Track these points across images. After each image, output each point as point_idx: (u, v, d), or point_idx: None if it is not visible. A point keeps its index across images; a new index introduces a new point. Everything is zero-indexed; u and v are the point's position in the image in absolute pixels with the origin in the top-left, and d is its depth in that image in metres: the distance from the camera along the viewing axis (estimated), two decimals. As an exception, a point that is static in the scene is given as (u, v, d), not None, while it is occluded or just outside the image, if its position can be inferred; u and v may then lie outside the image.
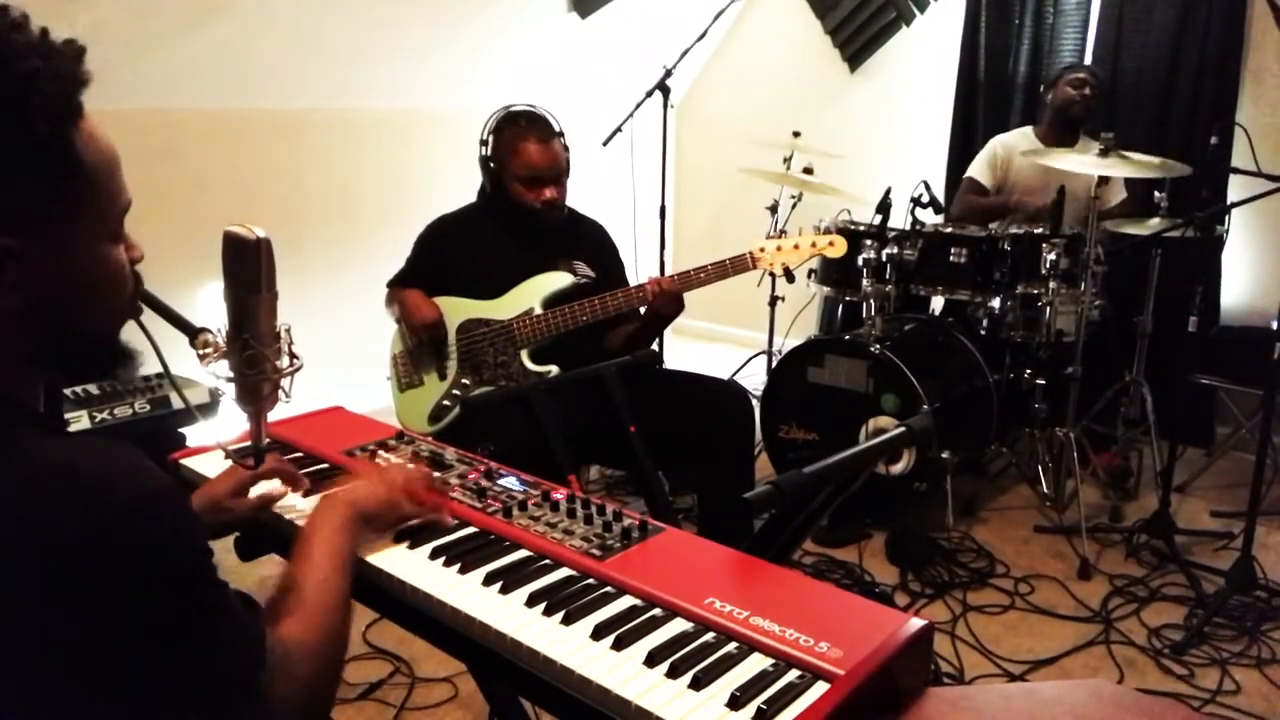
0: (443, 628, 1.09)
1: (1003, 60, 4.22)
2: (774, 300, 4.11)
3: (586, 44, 4.55)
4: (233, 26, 3.36)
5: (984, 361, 3.26)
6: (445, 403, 2.56)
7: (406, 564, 1.16)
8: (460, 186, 2.75)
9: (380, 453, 1.52)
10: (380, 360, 2.71)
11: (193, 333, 1.12)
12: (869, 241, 3.16)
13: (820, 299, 4.12)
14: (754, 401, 2.95)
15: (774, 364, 3.48)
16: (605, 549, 1.18)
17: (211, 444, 1.55)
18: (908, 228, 3.33)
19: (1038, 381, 3.23)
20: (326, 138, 3.96)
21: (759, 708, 0.89)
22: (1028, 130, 3.76)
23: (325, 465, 1.49)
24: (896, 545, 2.87)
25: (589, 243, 2.69)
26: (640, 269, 3.26)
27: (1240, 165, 2.97)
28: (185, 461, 1.52)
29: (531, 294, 2.53)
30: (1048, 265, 3.05)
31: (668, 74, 3.44)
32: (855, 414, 3.01)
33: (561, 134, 2.54)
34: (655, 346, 2.96)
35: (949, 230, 3.27)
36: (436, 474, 1.43)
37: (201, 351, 1.12)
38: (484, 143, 2.53)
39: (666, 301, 2.46)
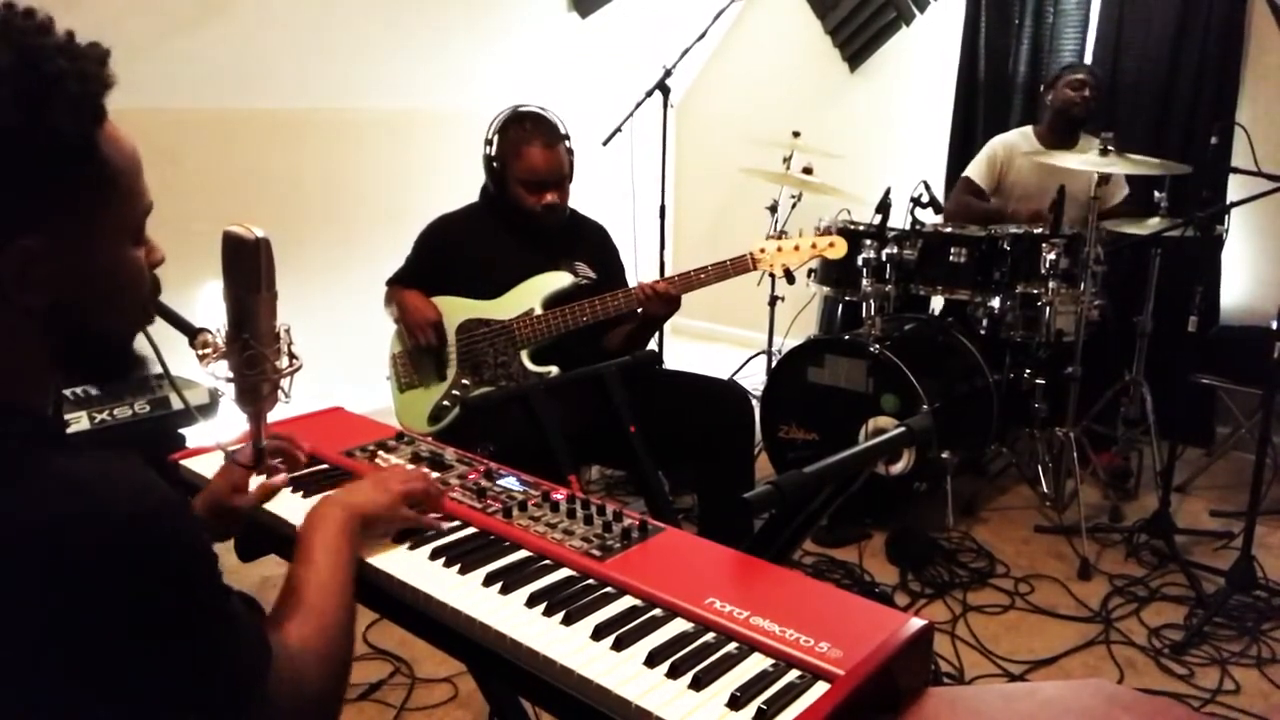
0: (443, 628, 1.09)
1: (1003, 60, 4.22)
2: (774, 300, 4.12)
3: (586, 44, 4.55)
4: (233, 26, 3.36)
5: (984, 361, 3.26)
6: (445, 403, 2.56)
7: (407, 565, 1.16)
8: (460, 186, 2.75)
9: (380, 453, 1.52)
10: (380, 360, 2.71)
11: (192, 333, 1.12)
12: (869, 241, 3.16)
13: (820, 299, 4.12)
14: (754, 401, 2.95)
15: (774, 364, 3.48)
16: (605, 549, 1.18)
17: (211, 444, 1.54)
18: (907, 228, 3.34)
19: (1038, 381, 3.23)
20: (326, 138, 3.96)
21: (759, 708, 0.88)
22: (1027, 130, 3.75)
23: (326, 467, 1.49)
24: (896, 545, 2.87)
25: (590, 243, 2.69)
26: (640, 269, 3.27)
27: (1240, 165, 2.97)
28: (185, 462, 1.52)
29: (532, 294, 2.53)
30: (1048, 265, 3.05)
31: (668, 74, 3.44)
32: (855, 414, 3.01)
33: (567, 137, 2.54)
34: (655, 346, 2.97)
35: (949, 230, 3.27)
36: (436, 474, 1.43)
37: (201, 352, 1.12)
38: (489, 142, 2.53)
39: (656, 304, 2.45)
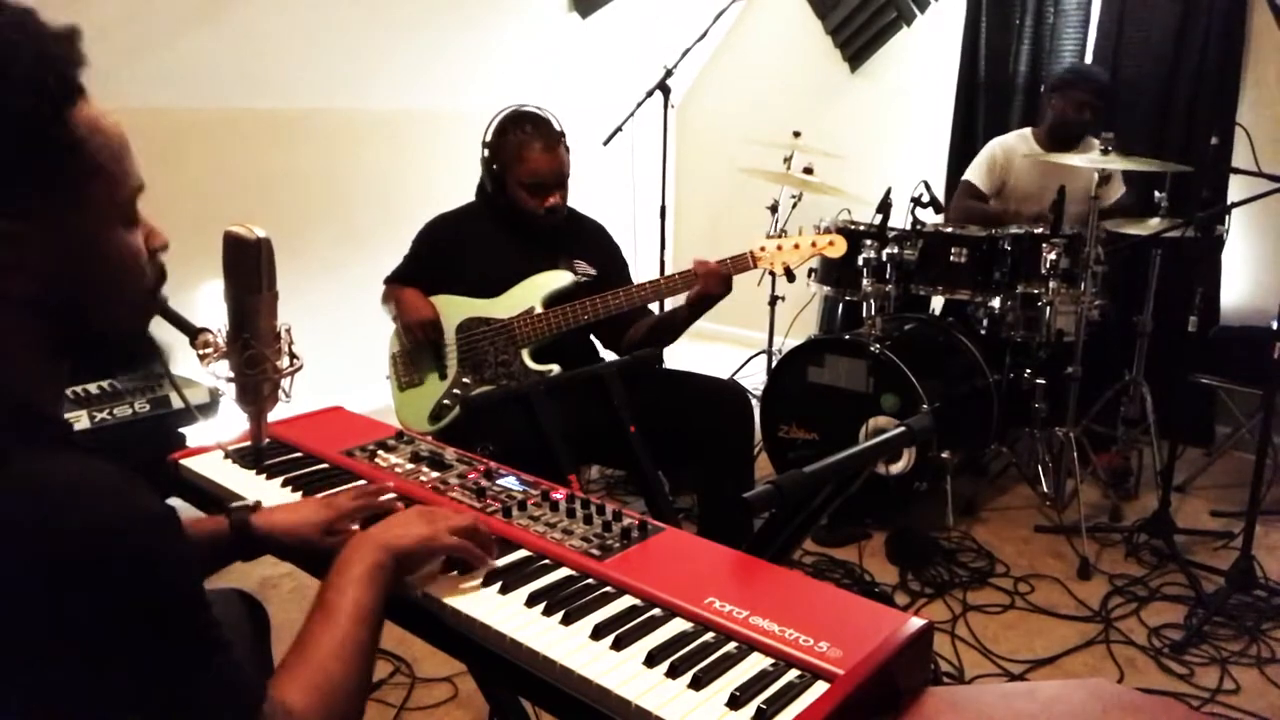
0: (443, 628, 1.09)
1: (1003, 60, 4.22)
2: (774, 300, 4.12)
3: (586, 44, 4.55)
4: (233, 26, 3.36)
5: (984, 361, 3.26)
6: (445, 402, 2.56)
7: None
8: (460, 186, 2.75)
9: (380, 452, 1.52)
10: (380, 360, 2.71)
11: (193, 333, 1.12)
12: (869, 241, 3.16)
13: (820, 299, 4.12)
14: (754, 401, 2.95)
15: (774, 364, 3.48)
16: (605, 549, 1.18)
17: (211, 444, 1.55)
18: (908, 228, 3.33)
19: (1038, 381, 3.23)
20: (326, 138, 3.96)
21: (759, 707, 0.89)
22: (1026, 133, 3.75)
23: (326, 466, 1.49)
24: (896, 545, 2.87)
25: (589, 241, 2.69)
26: (640, 269, 3.27)
27: (1240, 165, 2.97)
28: (185, 461, 1.52)
29: (532, 293, 2.53)
30: (1048, 265, 3.05)
31: (668, 74, 3.44)
32: (855, 414, 3.01)
33: (563, 135, 2.54)
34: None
35: (949, 230, 3.27)
36: (436, 473, 1.43)
37: (201, 351, 1.11)
38: (487, 144, 2.53)
39: (715, 281, 2.40)
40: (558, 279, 2.53)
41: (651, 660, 0.96)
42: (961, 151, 4.30)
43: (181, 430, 2.48)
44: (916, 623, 1.01)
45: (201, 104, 3.51)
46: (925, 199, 3.36)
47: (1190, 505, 3.30)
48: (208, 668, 0.78)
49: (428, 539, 1.09)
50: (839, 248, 2.56)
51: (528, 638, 1.00)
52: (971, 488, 3.32)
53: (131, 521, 0.74)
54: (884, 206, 3.30)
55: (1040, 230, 3.18)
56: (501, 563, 1.16)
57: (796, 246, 2.52)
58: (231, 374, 1.13)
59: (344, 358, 3.22)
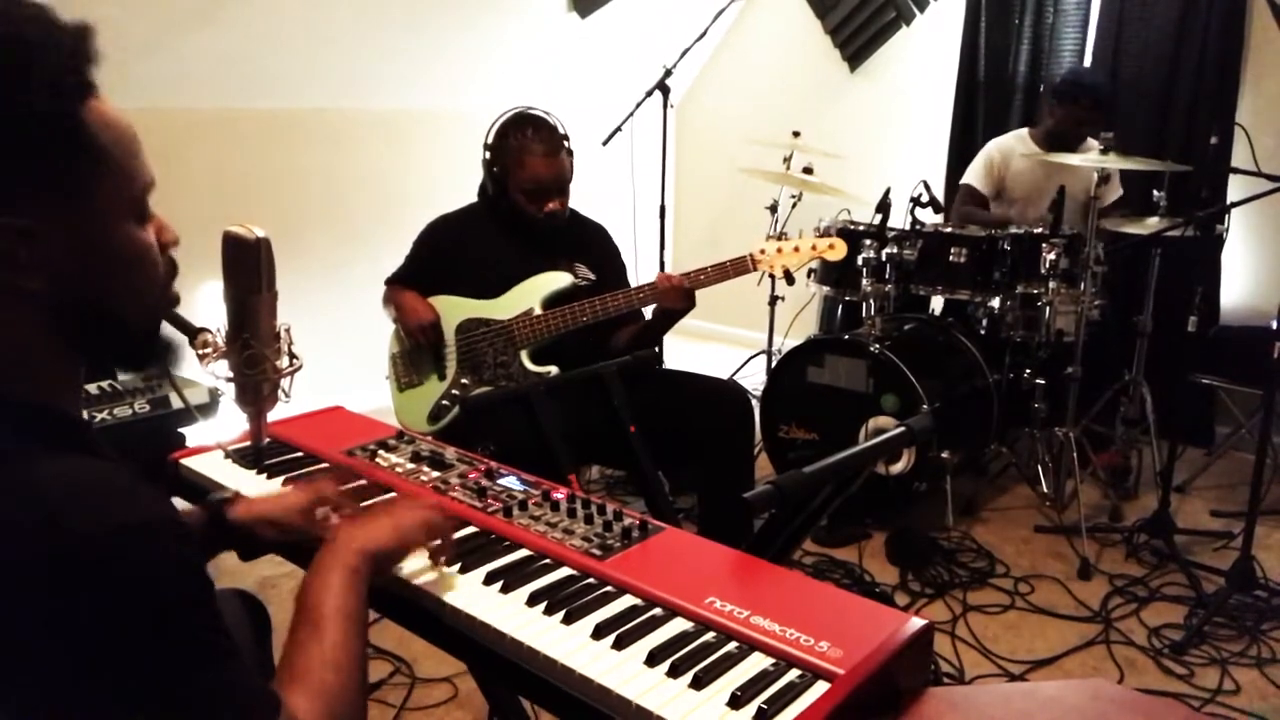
0: (443, 627, 1.09)
1: (1003, 60, 4.22)
2: (774, 300, 4.12)
3: (586, 44, 4.55)
4: (233, 26, 3.36)
5: (984, 361, 3.26)
6: (445, 403, 2.56)
7: (406, 564, 1.16)
8: (460, 186, 2.75)
9: (380, 452, 1.52)
10: (380, 360, 2.71)
11: (192, 333, 1.12)
12: (869, 241, 3.16)
13: (820, 299, 4.12)
14: (754, 401, 2.95)
15: (774, 364, 3.47)
16: (605, 549, 1.18)
17: (211, 444, 1.55)
18: (907, 228, 3.33)
19: (1038, 381, 3.23)
20: (326, 138, 3.96)
21: (759, 707, 0.89)
22: (1023, 133, 3.75)
23: (325, 465, 1.49)
24: (896, 545, 2.87)
25: (590, 244, 2.69)
26: (640, 269, 3.27)
27: (1240, 165, 2.97)
28: (185, 461, 1.52)
29: (531, 294, 2.53)
30: (1048, 265, 3.05)
31: (668, 74, 3.44)
32: (855, 414, 3.00)
33: (566, 139, 2.54)
34: (655, 346, 2.96)
35: (949, 230, 3.27)
36: (436, 473, 1.43)
37: (201, 351, 1.11)
38: (488, 146, 2.53)
39: (676, 296, 2.44)
40: (557, 281, 2.53)
41: (652, 660, 0.96)
42: (961, 151, 4.30)
43: (181, 430, 2.48)
44: (917, 623, 1.01)
45: (201, 104, 3.51)
46: (925, 199, 3.36)
47: (1190, 505, 3.30)
48: (217, 677, 0.77)
49: (399, 539, 1.09)
50: (839, 251, 2.56)
51: (528, 637, 1.00)
52: (971, 488, 3.32)
53: (137, 524, 0.73)
54: (883, 206, 3.30)
55: (1040, 230, 3.18)
56: (502, 562, 1.16)
57: (796, 249, 2.52)
58: (231, 374, 1.13)
59: (344, 358, 3.22)
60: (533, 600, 1.07)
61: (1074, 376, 3.09)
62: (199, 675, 0.75)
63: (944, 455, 2.99)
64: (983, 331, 3.44)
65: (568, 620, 1.03)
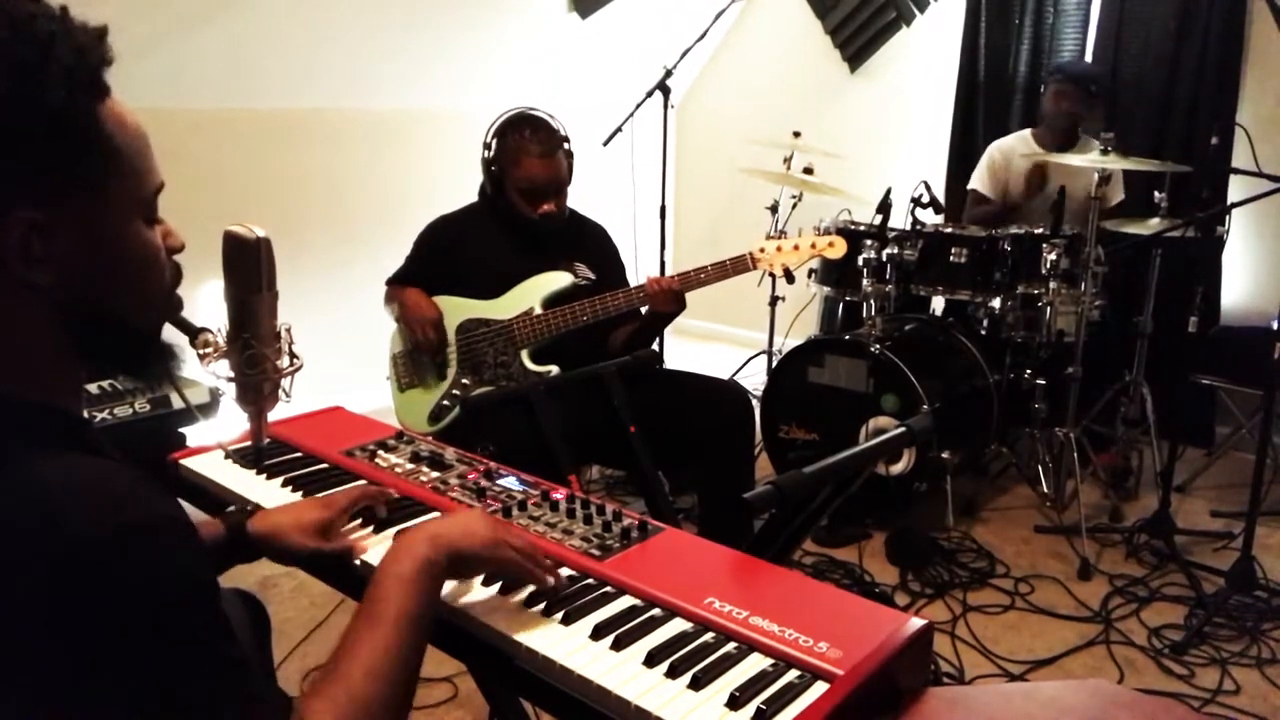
0: (443, 627, 1.08)
1: (1003, 60, 4.22)
2: (774, 300, 4.11)
3: (586, 44, 4.55)
4: (233, 26, 3.36)
5: (984, 361, 3.26)
6: (445, 403, 2.56)
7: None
8: (460, 186, 2.75)
9: (380, 453, 1.52)
10: (380, 360, 2.71)
11: (193, 333, 1.12)
12: (869, 241, 3.16)
13: (820, 299, 4.12)
14: (754, 401, 2.95)
15: (774, 364, 3.47)
16: (605, 549, 1.18)
17: (212, 444, 1.55)
18: (908, 228, 3.33)
19: (1038, 381, 3.23)
20: (326, 138, 3.96)
21: (758, 708, 0.89)
22: (1025, 134, 3.76)
23: (326, 466, 1.49)
24: (896, 545, 2.87)
25: (590, 244, 2.69)
26: (640, 269, 3.26)
27: (1240, 165, 2.97)
28: (185, 461, 1.52)
29: (531, 294, 2.53)
30: (1048, 265, 3.05)
31: (668, 74, 3.44)
32: (855, 414, 3.01)
33: (566, 140, 2.54)
34: (655, 346, 2.96)
35: (949, 230, 3.27)
36: (436, 473, 1.43)
37: (202, 351, 1.11)
38: (487, 145, 2.53)
39: (665, 300, 2.45)
40: (557, 280, 2.53)
41: (651, 660, 0.96)
42: (961, 152, 4.30)
43: (181, 430, 2.48)
44: (916, 623, 1.01)
45: (201, 104, 3.51)
46: (925, 199, 3.36)
47: (1190, 505, 3.30)
48: (220, 680, 0.76)
49: (491, 544, 1.03)
50: (839, 249, 2.56)
51: (527, 638, 1.00)
52: (971, 488, 3.32)
53: (139, 524, 0.73)
54: (884, 207, 3.30)
55: (1040, 230, 3.18)
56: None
57: (796, 248, 2.52)
58: (231, 374, 1.13)
59: (344, 358, 3.22)
60: (532, 600, 1.07)
61: (1074, 377, 3.09)
62: (201, 677, 0.74)
63: (944, 455, 2.99)
64: (983, 332, 3.44)
65: (567, 621, 1.03)
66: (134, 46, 3.16)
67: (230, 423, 1.45)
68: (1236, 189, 3.45)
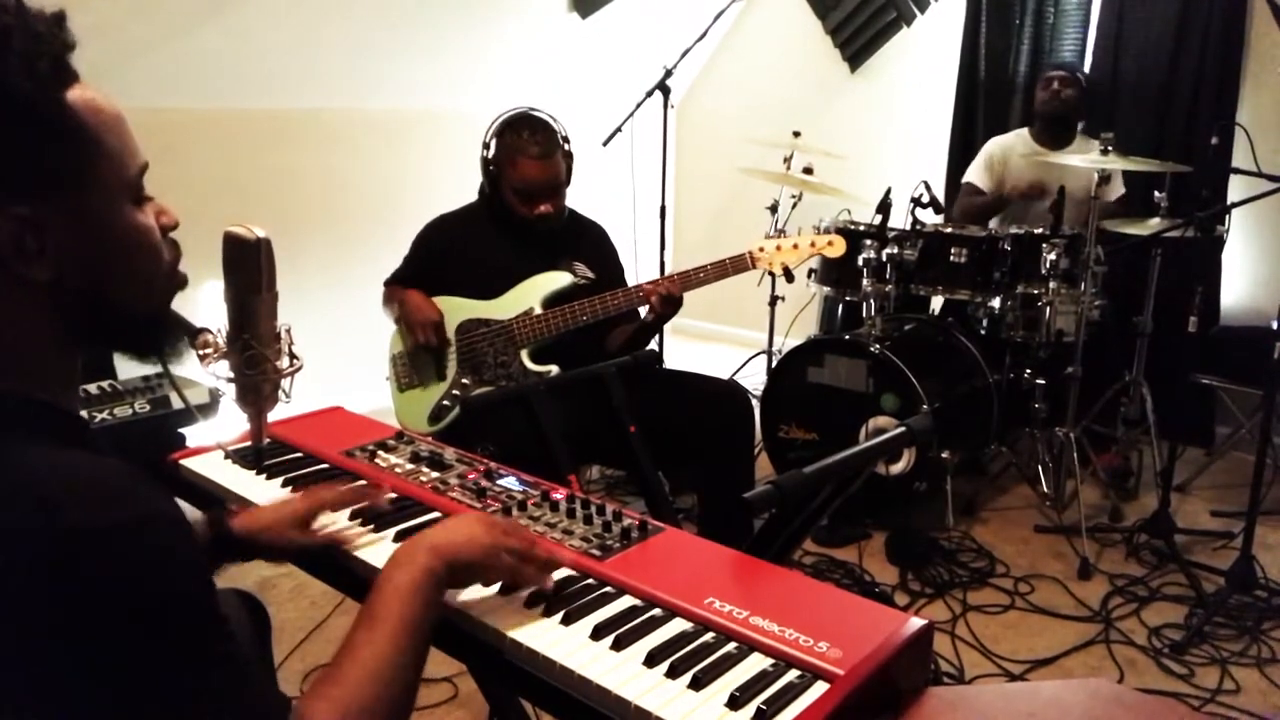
0: (442, 627, 1.08)
1: (1003, 60, 4.22)
2: (774, 300, 4.12)
3: (586, 44, 4.56)
4: (233, 26, 3.36)
5: (984, 361, 3.26)
6: (445, 403, 2.56)
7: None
8: (460, 187, 2.75)
9: (380, 453, 1.52)
10: (380, 360, 2.71)
11: (193, 333, 1.12)
12: (869, 241, 3.16)
13: (820, 299, 4.12)
14: (754, 401, 2.95)
15: (774, 364, 3.47)
16: (605, 549, 1.18)
17: (211, 444, 1.55)
18: (908, 228, 3.33)
19: (1038, 381, 3.23)
20: (326, 138, 3.96)
21: (759, 708, 0.89)
22: (1023, 132, 3.76)
23: (325, 466, 1.49)
24: (896, 545, 2.87)
25: (589, 243, 2.69)
26: (640, 269, 3.27)
27: (1240, 165, 2.97)
28: (185, 462, 1.52)
29: (531, 294, 2.53)
30: (1048, 265, 3.05)
31: (668, 74, 3.44)
32: (855, 414, 3.01)
33: (566, 141, 2.53)
34: (655, 346, 2.97)
35: (949, 230, 3.27)
36: (435, 473, 1.43)
37: (201, 352, 1.11)
38: (486, 145, 2.53)
39: (661, 304, 2.45)
40: (556, 280, 2.53)
41: (651, 660, 0.96)
42: (961, 151, 4.30)
43: (181, 430, 2.48)
44: (916, 623, 1.01)
45: (201, 104, 3.51)
46: (925, 199, 3.36)
47: (1190, 505, 3.30)
48: (217, 678, 0.75)
49: (491, 552, 1.02)
50: (838, 248, 2.56)
51: (528, 638, 1.00)
52: (971, 488, 3.32)
53: (136, 520, 0.72)
54: (884, 206, 3.30)
55: (1040, 230, 3.18)
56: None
57: (795, 247, 2.52)
58: (231, 374, 1.13)
59: (344, 358, 3.22)
60: (532, 600, 1.07)
61: (1074, 376, 3.09)
62: (197, 674, 0.74)
63: (944, 455, 3.00)
64: (983, 332, 3.44)
65: (567, 621, 1.03)
66: (134, 46, 3.16)
67: (230, 423, 1.45)
68: (1236, 189, 3.45)
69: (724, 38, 5.15)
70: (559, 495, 1.33)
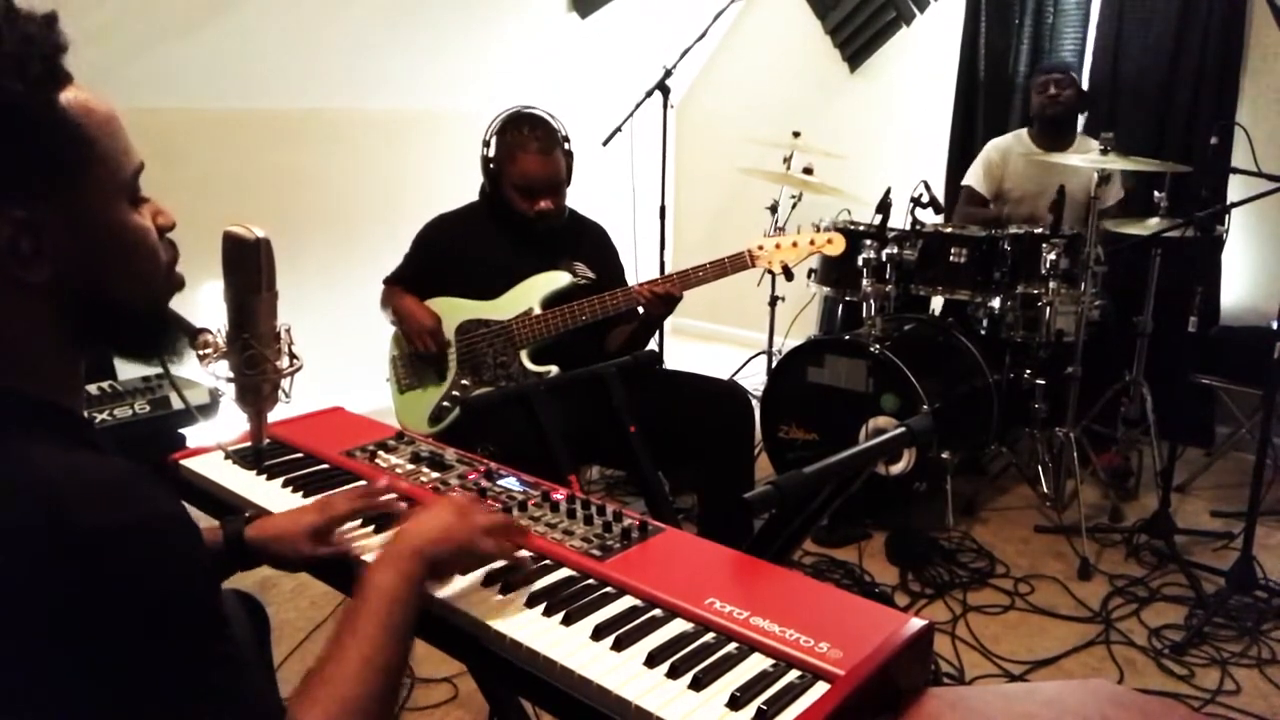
0: (443, 628, 1.09)
1: (1003, 60, 4.22)
2: (774, 300, 4.12)
3: (586, 44, 4.56)
4: (233, 26, 3.36)
5: (984, 361, 3.26)
6: (445, 403, 2.56)
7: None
8: (460, 186, 2.75)
9: (380, 453, 1.52)
10: (380, 361, 2.71)
11: (192, 333, 1.12)
12: (869, 241, 3.16)
13: (820, 299, 4.13)
14: (754, 401, 2.95)
15: (774, 364, 3.47)
16: (605, 549, 1.18)
17: (211, 445, 1.55)
18: (908, 228, 3.33)
19: (1038, 381, 3.23)
20: (326, 138, 3.96)
21: (759, 708, 0.88)
22: (1021, 133, 3.76)
23: (326, 467, 1.49)
24: (896, 545, 2.87)
25: (589, 243, 2.68)
26: (640, 269, 3.26)
27: (1240, 165, 2.97)
28: (185, 462, 1.52)
29: (530, 294, 2.53)
30: (1048, 265, 3.05)
31: (668, 74, 3.44)
32: (855, 414, 3.00)
33: (566, 139, 2.53)
34: (655, 346, 2.96)
35: (949, 230, 3.27)
36: (435, 474, 1.43)
37: (201, 352, 1.11)
38: (486, 144, 2.53)
39: (658, 304, 2.45)
40: (556, 280, 2.53)
41: (652, 661, 0.96)
42: (961, 151, 4.30)
43: (181, 431, 2.48)
44: (917, 623, 1.01)
45: (201, 104, 3.51)
46: (925, 199, 3.36)
47: (1190, 505, 3.30)
48: (218, 681, 0.75)
49: (465, 544, 1.05)
50: (837, 246, 2.56)
51: (528, 638, 1.00)
52: (971, 488, 3.32)
53: (144, 521, 0.73)
54: (884, 206, 3.30)
55: (1040, 230, 3.18)
56: (501, 563, 1.15)
57: (795, 245, 2.52)
58: (231, 374, 1.13)
59: (344, 358, 3.22)
60: (532, 601, 1.07)
61: (1074, 376, 3.09)
62: (200, 675, 0.74)
63: (944, 455, 2.99)
64: (983, 332, 3.44)
65: (567, 621, 1.03)
66: (134, 46, 3.16)
67: (230, 423, 1.45)
68: (1236, 189, 3.45)
69: (724, 38, 5.15)
70: (559, 496, 1.32)
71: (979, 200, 3.74)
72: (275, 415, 1.20)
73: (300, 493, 1.39)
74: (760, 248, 2.51)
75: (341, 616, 0.94)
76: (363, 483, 1.38)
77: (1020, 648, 2.42)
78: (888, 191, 3.34)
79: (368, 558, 1.19)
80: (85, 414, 0.88)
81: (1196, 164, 3.35)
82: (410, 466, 1.46)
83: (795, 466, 1.19)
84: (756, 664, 0.96)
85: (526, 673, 1.00)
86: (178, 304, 1.09)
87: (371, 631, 0.91)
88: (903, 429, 1.37)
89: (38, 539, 0.69)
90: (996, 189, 3.73)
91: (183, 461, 1.52)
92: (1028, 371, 3.26)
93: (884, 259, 3.14)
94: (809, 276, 3.51)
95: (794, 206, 4.14)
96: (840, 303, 3.79)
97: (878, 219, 3.28)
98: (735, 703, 0.90)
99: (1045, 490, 3.25)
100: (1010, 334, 3.27)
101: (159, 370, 1.04)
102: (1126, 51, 3.90)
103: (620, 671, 0.95)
